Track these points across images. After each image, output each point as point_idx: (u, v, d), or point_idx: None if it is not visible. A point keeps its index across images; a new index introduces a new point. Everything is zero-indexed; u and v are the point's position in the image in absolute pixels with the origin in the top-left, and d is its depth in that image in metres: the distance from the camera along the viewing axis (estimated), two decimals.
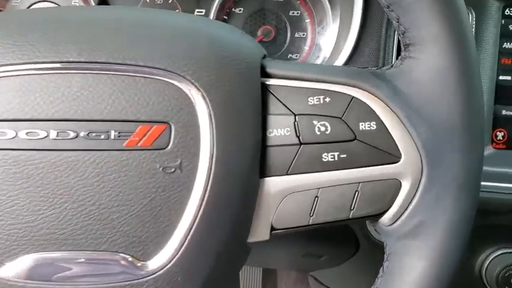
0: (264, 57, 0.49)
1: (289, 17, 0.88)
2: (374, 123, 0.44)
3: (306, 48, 0.89)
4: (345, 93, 0.44)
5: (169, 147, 0.40)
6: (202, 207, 0.41)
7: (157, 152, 0.41)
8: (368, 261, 0.92)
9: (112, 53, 0.41)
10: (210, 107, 0.41)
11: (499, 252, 0.80)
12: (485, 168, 0.77)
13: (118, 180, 0.41)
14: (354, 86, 0.44)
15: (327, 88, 0.45)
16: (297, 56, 0.89)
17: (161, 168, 0.41)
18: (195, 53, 0.41)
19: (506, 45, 0.81)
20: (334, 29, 0.84)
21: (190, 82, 0.41)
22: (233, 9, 0.88)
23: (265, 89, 0.44)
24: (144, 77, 0.40)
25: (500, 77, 0.81)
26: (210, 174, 0.41)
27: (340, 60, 0.78)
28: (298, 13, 0.88)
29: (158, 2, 0.86)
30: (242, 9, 0.87)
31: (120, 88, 0.41)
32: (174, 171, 0.41)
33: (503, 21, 0.81)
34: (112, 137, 0.40)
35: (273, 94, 0.45)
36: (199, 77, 0.41)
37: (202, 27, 0.45)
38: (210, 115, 0.41)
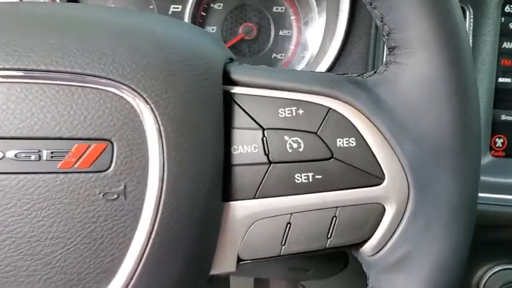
0: (232, 61, 0.43)
1: (273, 13, 0.83)
2: (353, 139, 0.39)
3: (291, 47, 0.83)
4: (320, 105, 0.40)
5: (111, 169, 0.36)
6: (152, 239, 0.36)
7: (97, 175, 0.36)
8: (358, 275, 0.86)
9: (44, 58, 0.35)
10: (159, 121, 0.36)
11: (498, 268, 0.75)
12: (482, 178, 0.72)
13: (52, 209, 0.35)
14: (330, 96, 0.40)
15: (300, 98, 0.40)
16: (281, 56, 0.83)
17: (102, 194, 0.36)
18: (142, 58, 0.36)
19: (506, 44, 0.76)
20: (320, 27, 0.79)
21: (135, 92, 0.36)
22: (211, 5, 0.82)
23: (229, 99, 0.40)
24: (82, 86, 0.36)
25: (500, 79, 0.76)
26: (160, 200, 0.36)
27: (326, 63, 0.73)
28: (282, 9, 0.83)
29: None
30: (221, 4, 0.82)
31: (53, 100, 0.35)
32: (117, 197, 0.36)
33: (502, 19, 0.75)
34: (44, 157, 0.35)
35: (238, 104, 0.40)
36: (146, 85, 0.36)
37: (151, 27, 0.39)
38: (159, 131, 0.36)
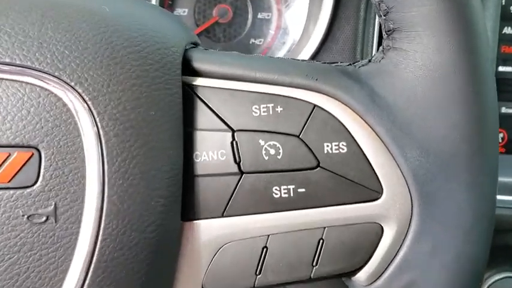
0: (195, 46, 0.37)
1: None
2: (344, 143, 0.34)
3: (271, 31, 0.79)
4: (303, 101, 0.34)
5: (37, 184, 0.30)
6: (91, 272, 0.30)
7: (20, 192, 0.30)
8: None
9: None
10: (98, 123, 0.30)
11: (498, 277, 0.70)
12: None
13: None
14: (316, 90, 0.34)
15: (278, 93, 0.34)
16: (260, 41, 0.79)
17: (26, 217, 0.30)
18: (77, 42, 0.31)
19: (507, 30, 0.71)
20: (303, 9, 0.74)
21: (68, 85, 0.30)
22: None
23: (190, 93, 0.34)
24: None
25: (500, 68, 0.71)
26: (100, 223, 0.30)
27: (309, 49, 0.68)
28: None
29: None
30: None
31: None
32: (46, 220, 0.30)
33: (503, 1, 0.70)
34: None
35: (201, 100, 0.34)
36: (82, 77, 0.30)
37: (91, 3, 0.33)
38: (98, 135, 0.30)
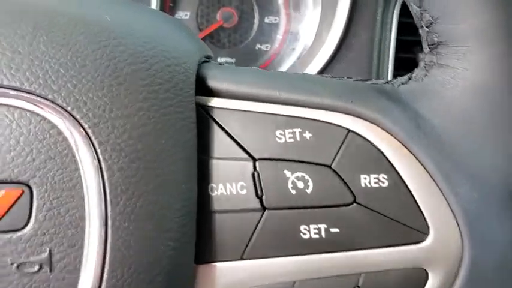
0: (208, 60, 0.34)
1: None
2: (384, 176, 0.30)
3: (279, 37, 0.77)
4: (335, 125, 0.31)
5: (28, 227, 0.27)
6: None
7: (8, 236, 0.26)
8: None
9: None
10: (99, 155, 0.27)
11: None
12: None
13: None
14: (350, 113, 0.31)
15: (306, 116, 0.31)
16: (267, 47, 0.77)
17: (16, 266, 0.26)
18: (74, 59, 0.27)
19: None
20: (315, 14, 0.72)
21: (64, 110, 0.27)
22: None
23: (204, 116, 0.31)
24: None
25: None
26: (102, 273, 0.27)
27: (322, 57, 0.66)
28: None
29: None
30: None
31: None
32: (39, 269, 0.26)
33: None
34: None
35: (218, 124, 0.31)
36: (80, 101, 0.27)
37: (91, 12, 0.30)
38: (99, 169, 0.27)
